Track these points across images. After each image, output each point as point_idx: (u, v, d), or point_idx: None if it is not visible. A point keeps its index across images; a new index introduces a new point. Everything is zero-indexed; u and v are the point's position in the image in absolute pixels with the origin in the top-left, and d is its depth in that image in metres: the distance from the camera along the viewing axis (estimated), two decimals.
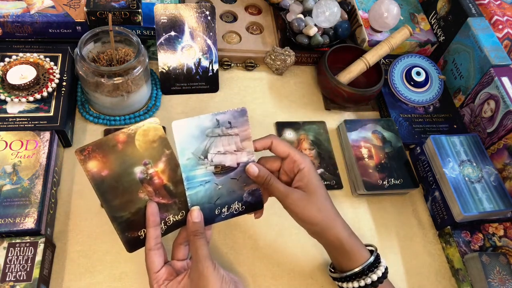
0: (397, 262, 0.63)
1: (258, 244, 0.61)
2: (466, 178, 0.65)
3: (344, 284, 0.53)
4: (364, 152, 0.69)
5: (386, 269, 0.52)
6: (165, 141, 0.49)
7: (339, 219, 0.52)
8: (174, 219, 0.51)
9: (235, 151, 0.52)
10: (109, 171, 0.46)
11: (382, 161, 0.68)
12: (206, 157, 0.51)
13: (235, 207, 0.54)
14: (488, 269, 0.59)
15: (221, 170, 0.52)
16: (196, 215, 0.50)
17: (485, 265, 0.59)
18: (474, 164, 0.67)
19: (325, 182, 0.68)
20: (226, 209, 0.53)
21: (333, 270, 0.56)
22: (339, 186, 0.69)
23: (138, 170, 0.48)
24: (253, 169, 0.52)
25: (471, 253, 0.62)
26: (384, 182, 0.66)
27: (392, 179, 0.67)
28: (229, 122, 0.52)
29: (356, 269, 0.51)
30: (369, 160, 0.68)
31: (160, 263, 0.49)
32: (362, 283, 0.51)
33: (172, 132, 0.49)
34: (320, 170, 0.69)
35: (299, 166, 0.52)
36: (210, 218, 0.52)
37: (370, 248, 0.54)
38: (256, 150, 0.53)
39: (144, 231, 0.49)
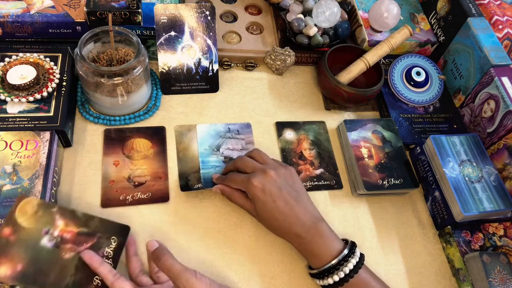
0: (397, 262, 0.63)
1: (258, 244, 0.61)
2: (466, 178, 0.65)
3: (321, 282, 0.54)
4: (364, 152, 0.69)
5: (361, 257, 0.53)
6: (45, 204, 0.50)
7: (294, 231, 0.55)
8: (111, 249, 0.52)
9: (240, 149, 0.68)
10: (22, 262, 0.46)
11: (382, 161, 0.68)
12: (218, 150, 0.67)
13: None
14: (488, 268, 0.59)
15: (229, 161, 0.66)
16: (151, 244, 0.54)
17: (485, 265, 0.59)
18: (474, 164, 0.67)
19: (325, 182, 0.68)
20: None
21: (310, 269, 0.57)
22: (339, 186, 0.69)
23: (46, 241, 0.49)
24: (217, 190, 0.61)
25: (471, 252, 0.62)
26: (384, 182, 0.66)
27: (392, 179, 0.67)
28: (237, 130, 0.71)
29: (328, 264, 0.52)
30: (369, 160, 0.68)
31: (132, 285, 0.49)
32: (336, 277, 0.51)
33: (196, 130, 0.68)
34: (320, 170, 0.69)
35: (250, 196, 0.57)
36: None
37: (345, 240, 0.55)
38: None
39: (97, 278, 0.49)
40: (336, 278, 0.51)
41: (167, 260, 0.49)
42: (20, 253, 0.47)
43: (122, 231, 0.53)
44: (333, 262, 0.52)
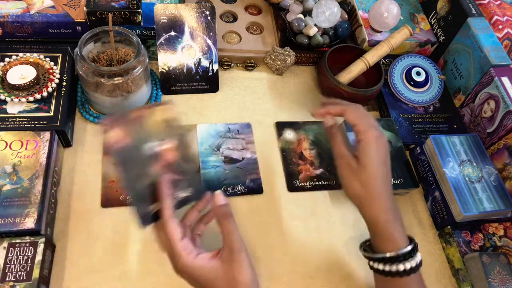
0: None
1: (258, 244, 0.61)
2: (466, 178, 0.65)
3: (375, 265, 0.52)
4: None
5: (420, 262, 0.51)
6: (178, 121, 0.51)
7: (383, 201, 0.51)
8: (183, 196, 0.52)
9: (241, 149, 0.69)
10: (126, 143, 0.47)
11: None
12: (218, 150, 0.68)
13: (238, 188, 0.65)
14: (488, 269, 0.59)
15: (229, 160, 0.67)
16: (221, 198, 0.51)
17: (485, 265, 0.59)
18: (474, 164, 0.67)
19: (325, 182, 0.68)
20: (231, 188, 0.65)
21: (367, 248, 0.55)
22: (339, 186, 0.69)
23: (152, 145, 0.49)
24: (328, 118, 0.58)
25: (471, 253, 0.62)
26: None
27: (392, 179, 0.67)
28: (238, 130, 0.71)
29: (388, 254, 0.50)
30: None
31: (181, 230, 0.48)
32: (394, 268, 0.49)
33: (196, 130, 0.69)
34: (320, 170, 0.69)
35: (359, 137, 0.53)
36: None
37: (410, 238, 0.53)
38: (330, 115, 0.57)
39: (156, 205, 0.49)
40: (408, 266, 0.49)
41: (230, 224, 0.48)
42: (132, 135, 0.48)
43: (200, 193, 0.54)
44: (408, 248, 0.50)
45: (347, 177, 0.53)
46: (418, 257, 0.51)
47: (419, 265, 0.50)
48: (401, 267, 0.49)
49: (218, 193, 0.51)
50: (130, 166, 0.48)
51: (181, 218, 0.52)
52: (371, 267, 0.53)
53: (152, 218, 0.50)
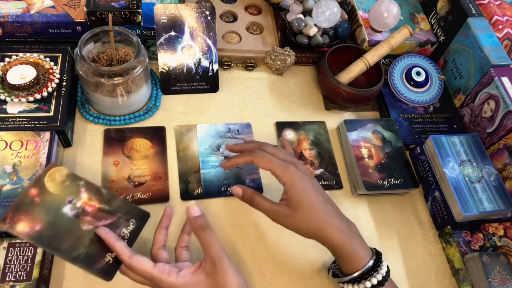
0: (397, 262, 0.63)
1: (258, 244, 0.61)
2: (466, 178, 0.65)
3: (345, 286, 0.52)
4: (364, 152, 0.69)
5: (388, 272, 0.51)
6: (73, 176, 0.51)
7: (333, 224, 0.51)
8: (128, 231, 0.52)
9: None
10: (42, 223, 0.47)
11: (382, 161, 0.68)
12: (218, 150, 0.68)
13: None
14: (488, 269, 0.59)
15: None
16: (195, 210, 0.50)
17: (485, 265, 0.59)
18: (474, 164, 0.67)
19: (325, 182, 0.68)
20: (231, 188, 0.64)
21: (336, 273, 0.55)
22: (339, 186, 0.69)
23: (67, 209, 0.49)
24: (237, 191, 0.56)
25: (471, 253, 0.62)
26: (384, 182, 0.66)
27: (392, 179, 0.67)
28: (238, 130, 0.71)
29: (355, 274, 0.50)
30: (369, 160, 0.68)
31: (148, 260, 0.48)
32: (362, 286, 0.50)
33: (196, 130, 0.69)
34: (320, 170, 0.69)
35: (281, 181, 0.53)
36: (217, 193, 0.64)
37: (372, 249, 0.53)
38: (238, 165, 0.56)
39: (109, 255, 0.49)
40: (374, 281, 0.50)
41: (208, 235, 0.48)
42: (41, 214, 0.47)
43: (142, 217, 0.53)
44: (370, 263, 0.50)
45: (289, 224, 0.52)
46: (384, 267, 0.51)
47: (386, 276, 0.51)
48: (368, 283, 0.50)
49: (191, 205, 0.51)
50: (59, 240, 0.47)
51: (152, 246, 0.52)
52: None
53: (113, 266, 0.49)
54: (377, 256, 0.52)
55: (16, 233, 0.46)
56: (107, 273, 0.49)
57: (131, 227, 0.52)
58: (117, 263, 0.49)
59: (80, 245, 0.48)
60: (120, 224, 0.51)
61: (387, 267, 0.52)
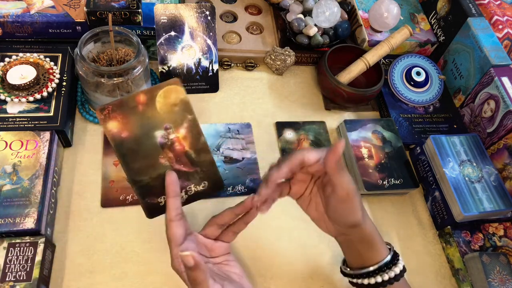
0: None
1: (258, 245, 0.61)
2: (466, 178, 0.65)
3: (365, 281, 0.50)
4: (364, 152, 0.69)
5: (404, 267, 0.51)
6: (187, 105, 0.47)
7: (366, 213, 0.51)
8: (196, 189, 0.50)
9: (241, 149, 0.69)
10: (129, 133, 0.45)
11: (382, 161, 0.68)
12: (218, 150, 0.68)
13: (238, 188, 0.65)
14: (488, 269, 0.59)
15: (229, 160, 0.67)
16: (187, 260, 0.41)
17: (485, 265, 0.59)
18: (474, 164, 0.67)
19: None
20: (231, 188, 0.65)
21: (347, 268, 0.54)
22: None
23: (159, 134, 0.46)
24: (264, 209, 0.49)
25: (471, 253, 0.62)
26: (384, 182, 0.66)
27: (392, 179, 0.67)
28: (238, 130, 0.71)
29: (377, 265, 0.49)
30: (369, 160, 0.68)
31: (182, 235, 0.46)
32: (380, 279, 0.49)
33: None
34: None
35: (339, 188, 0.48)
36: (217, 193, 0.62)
37: (388, 246, 0.52)
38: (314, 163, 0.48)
39: (164, 197, 0.48)
40: (392, 274, 0.49)
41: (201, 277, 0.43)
42: (135, 125, 0.45)
43: (217, 185, 0.51)
44: (388, 258, 0.49)
45: (341, 211, 0.49)
46: (401, 262, 0.50)
47: (403, 270, 0.50)
48: (386, 276, 0.49)
49: (186, 255, 0.40)
50: (134, 158, 0.46)
51: (217, 215, 0.50)
52: (356, 284, 0.52)
53: (160, 209, 0.48)
54: (394, 251, 0.51)
55: (105, 128, 0.44)
56: (151, 212, 0.48)
57: (200, 188, 0.50)
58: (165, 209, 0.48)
59: (147, 174, 0.46)
60: (193, 178, 0.49)
61: (403, 263, 0.51)
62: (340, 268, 0.55)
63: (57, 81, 0.63)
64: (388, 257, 0.50)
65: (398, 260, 0.50)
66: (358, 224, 0.49)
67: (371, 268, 0.50)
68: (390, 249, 0.51)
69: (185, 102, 0.47)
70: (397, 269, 0.49)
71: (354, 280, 0.52)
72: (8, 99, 0.60)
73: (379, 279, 0.49)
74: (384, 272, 0.49)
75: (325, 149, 0.48)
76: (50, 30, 0.67)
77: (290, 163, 0.48)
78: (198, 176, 0.50)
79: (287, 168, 0.47)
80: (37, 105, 0.61)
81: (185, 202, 0.50)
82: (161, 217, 0.57)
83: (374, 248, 0.50)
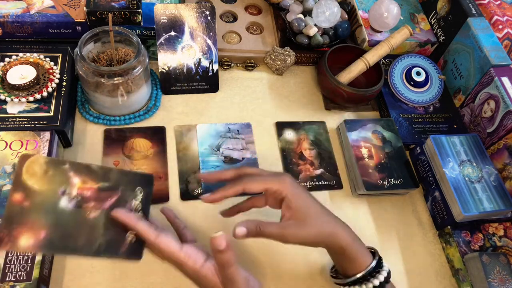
0: (397, 262, 0.63)
1: (258, 245, 0.61)
2: (466, 178, 0.65)
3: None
4: (364, 152, 0.69)
5: (389, 273, 0.51)
6: (54, 161, 0.45)
7: (340, 227, 0.51)
8: (139, 201, 0.48)
9: (241, 149, 0.69)
10: (45, 229, 0.42)
11: (382, 161, 0.68)
12: (218, 150, 0.68)
13: None
14: (488, 269, 0.59)
15: (230, 160, 0.67)
16: (220, 242, 0.43)
17: (485, 265, 0.59)
18: (474, 164, 0.67)
19: (325, 182, 0.68)
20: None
21: (334, 275, 0.55)
22: (339, 186, 0.69)
23: (65, 203, 0.44)
24: (241, 231, 0.48)
25: (471, 253, 0.62)
26: (384, 182, 0.66)
27: (392, 179, 0.67)
28: (238, 130, 0.71)
29: (359, 275, 0.50)
30: (369, 160, 0.68)
31: (175, 241, 0.46)
32: (370, 285, 0.50)
33: (196, 130, 0.69)
34: (320, 170, 0.69)
35: (281, 195, 0.50)
36: None
37: (372, 250, 0.53)
38: (227, 197, 0.51)
39: (130, 233, 0.46)
40: (376, 282, 0.49)
41: (233, 273, 0.44)
42: (40, 219, 0.42)
43: (147, 181, 0.49)
44: (373, 264, 0.50)
45: (302, 239, 0.50)
46: (386, 268, 0.51)
47: (388, 276, 0.51)
48: (371, 284, 0.49)
49: (216, 236, 0.44)
50: (71, 240, 0.43)
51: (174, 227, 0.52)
52: None
53: (138, 244, 0.46)
54: (378, 256, 0.52)
55: (21, 249, 0.41)
56: (135, 253, 0.46)
57: (140, 196, 0.48)
58: (141, 241, 0.47)
59: (97, 235, 0.44)
60: (128, 196, 0.47)
61: (388, 268, 0.52)
62: (330, 274, 0.56)
63: (57, 81, 0.63)
64: (373, 264, 0.50)
65: (382, 267, 0.51)
66: (319, 244, 0.50)
67: (355, 277, 0.50)
68: (374, 253, 0.52)
69: (49, 161, 0.44)
70: (381, 277, 0.50)
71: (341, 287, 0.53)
72: (8, 99, 0.60)
73: (368, 286, 0.50)
74: (368, 281, 0.50)
75: (271, 178, 0.50)
76: (50, 30, 0.67)
77: (229, 191, 0.51)
78: (128, 190, 0.48)
79: (223, 193, 0.51)
80: (37, 105, 0.61)
81: (145, 215, 0.49)
82: (159, 216, 0.57)
83: (349, 259, 0.51)
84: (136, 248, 0.47)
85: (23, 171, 0.43)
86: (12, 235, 0.40)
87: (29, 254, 0.50)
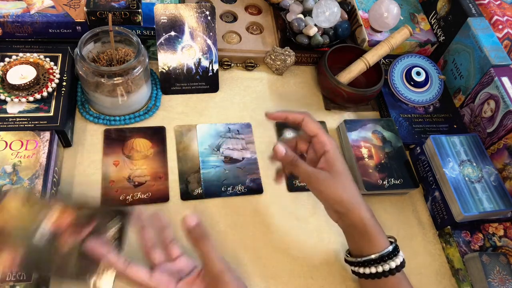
0: None
1: (258, 244, 0.61)
2: (466, 178, 0.65)
3: (361, 269, 0.52)
4: (364, 152, 0.69)
5: (404, 261, 0.51)
6: (28, 195, 0.46)
7: (363, 202, 0.52)
8: (116, 228, 0.49)
9: (241, 149, 0.69)
10: (18, 259, 0.44)
11: (382, 161, 0.68)
12: (218, 150, 0.68)
13: (238, 188, 0.65)
14: (488, 269, 0.59)
15: (230, 160, 0.67)
16: (191, 218, 0.46)
17: (485, 265, 0.59)
18: (474, 164, 0.67)
19: None
20: (231, 188, 0.64)
21: (349, 255, 0.55)
22: None
23: (40, 235, 0.45)
24: (280, 149, 0.53)
25: (471, 253, 0.62)
26: (384, 182, 0.66)
27: (392, 179, 0.67)
28: (238, 130, 0.71)
29: (376, 254, 0.50)
30: (369, 160, 0.68)
31: (144, 270, 0.46)
32: (380, 268, 0.50)
33: (196, 130, 0.69)
34: None
35: (324, 148, 0.53)
36: (217, 193, 0.64)
37: (390, 239, 0.53)
38: (287, 121, 0.57)
39: (102, 264, 0.47)
40: (386, 267, 0.50)
41: (207, 246, 0.46)
42: (16, 247, 0.44)
43: (123, 214, 0.50)
44: (389, 248, 0.50)
45: (327, 188, 0.52)
46: (401, 254, 0.51)
47: (403, 263, 0.51)
48: (381, 267, 0.50)
49: (187, 214, 0.47)
50: (44, 267, 0.44)
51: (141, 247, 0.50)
52: (357, 273, 0.53)
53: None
54: (395, 244, 0.52)
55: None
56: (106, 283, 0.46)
57: (117, 224, 0.49)
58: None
59: (71, 263, 0.45)
60: (104, 225, 0.48)
61: (403, 257, 0.52)
62: (344, 256, 0.56)
63: (57, 81, 0.63)
64: (389, 249, 0.50)
65: (398, 253, 0.51)
66: (339, 202, 0.51)
67: (370, 257, 0.51)
68: (392, 242, 0.52)
69: (24, 196, 0.46)
70: (394, 263, 0.50)
71: (354, 268, 0.54)
72: (8, 99, 0.60)
73: (374, 269, 0.50)
74: (382, 264, 0.50)
75: (325, 132, 0.55)
76: (50, 30, 0.67)
77: (292, 114, 0.56)
78: (106, 220, 0.48)
79: (287, 115, 0.56)
80: (37, 105, 0.61)
81: (121, 244, 0.49)
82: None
83: (369, 238, 0.51)
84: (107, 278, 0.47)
85: (5, 200, 0.45)
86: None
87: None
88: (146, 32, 0.72)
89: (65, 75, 0.65)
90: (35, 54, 0.65)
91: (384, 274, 0.50)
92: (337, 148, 0.54)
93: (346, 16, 0.85)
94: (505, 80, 0.70)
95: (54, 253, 0.45)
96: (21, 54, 0.64)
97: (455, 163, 0.67)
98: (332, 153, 0.53)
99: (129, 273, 0.45)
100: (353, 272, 0.55)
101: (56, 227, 0.46)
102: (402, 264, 0.51)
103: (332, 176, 0.52)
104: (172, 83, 0.73)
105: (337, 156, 0.53)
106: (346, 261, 0.56)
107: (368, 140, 0.71)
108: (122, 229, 0.49)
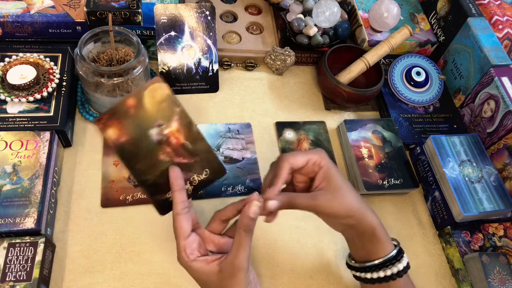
0: None
1: (258, 244, 0.61)
2: (466, 178, 0.65)
3: (368, 275, 0.51)
4: (364, 152, 0.69)
5: (408, 262, 0.51)
6: (173, 99, 0.49)
7: (368, 206, 0.51)
8: (199, 178, 0.51)
9: (241, 149, 0.69)
10: (127, 137, 0.47)
11: (382, 161, 0.68)
12: (218, 150, 0.68)
13: (238, 188, 0.65)
14: (488, 269, 0.59)
15: (229, 160, 0.67)
16: (253, 210, 0.46)
17: (485, 265, 0.59)
18: (474, 164, 0.67)
19: None
20: (231, 188, 0.65)
21: (352, 261, 0.54)
22: None
23: (154, 133, 0.48)
24: (273, 204, 0.48)
25: (471, 253, 0.62)
26: (384, 182, 0.66)
27: (392, 179, 0.67)
28: (238, 130, 0.71)
29: (382, 259, 0.49)
30: (369, 160, 0.68)
31: (189, 228, 0.47)
32: (389, 272, 0.49)
33: None
34: None
35: (320, 165, 0.52)
36: (217, 193, 0.64)
37: (393, 242, 0.53)
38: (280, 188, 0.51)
39: (170, 193, 0.49)
40: (400, 266, 0.49)
41: (245, 239, 0.46)
42: (130, 128, 0.47)
43: (218, 171, 0.52)
44: (393, 253, 0.50)
45: (336, 207, 0.50)
46: (405, 258, 0.51)
47: (408, 265, 0.51)
48: (388, 271, 0.49)
49: (255, 203, 0.46)
50: (136, 159, 0.47)
51: (220, 210, 0.50)
52: (362, 279, 0.52)
53: (170, 204, 0.49)
54: (400, 247, 0.51)
55: (105, 136, 0.46)
56: (162, 208, 0.49)
57: (203, 176, 0.51)
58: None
59: (151, 172, 0.48)
60: (195, 168, 0.50)
61: (407, 259, 0.51)
62: (346, 261, 0.56)
63: (57, 81, 0.63)
64: (393, 252, 0.50)
65: (402, 256, 0.50)
66: (351, 215, 0.50)
67: (376, 262, 0.50)
68: (396, 245, 0.52)
69: (170, 96, 0.49)
70: (400, 265, 0.49)
71: (358, 274, 0.53)
72: (8, 99, 0.60)
73: (381, 274, 0.49)
74: (388, 268, 0.49)
75: (310, 151, 0.52)
76: (50, 30, 0.67)
77: (282, 176, 0.50)
78: (199, 165, 0.51)
79: (281, 182, 0.50)
80: (37, 105, 0.61)
81: (192, 193, 0.51)
82: (159, 217, 0.58)
83: (377, 241, 0.50)
84: (167, 206, 0.50)
85: (149, 88, 0.47)
86: (108, 123, 0.46)
87: (28, 253, 0.50)
88: (146, 32, 0.72)
89: (65, 75, 0.65)
90: (35, 54, 0.65)
91: (392, 277, 0.49)
92: (328, 158, 0.52)
93: (346, 16, 0.85)
94: (505, 80, 0.70)
95: (150, 155, 0.48)
96: (21, 54, 0.64)
97: (455, 163, 0.67)
98: (326, 168, 0.51)
99: (176, 221, 0.47)
100: (356, 277, 0.53)
101: (169, 137, 0.49)
102: (407, 267, 0.50)
103: (333, 195, 0.50)
104: (172, 83, 0.73)
105: (332, 171, 0.51)
106: (349, 266, 0.55)
107: (368, 140, 0.71)
108: (206, 182, 0.51)
